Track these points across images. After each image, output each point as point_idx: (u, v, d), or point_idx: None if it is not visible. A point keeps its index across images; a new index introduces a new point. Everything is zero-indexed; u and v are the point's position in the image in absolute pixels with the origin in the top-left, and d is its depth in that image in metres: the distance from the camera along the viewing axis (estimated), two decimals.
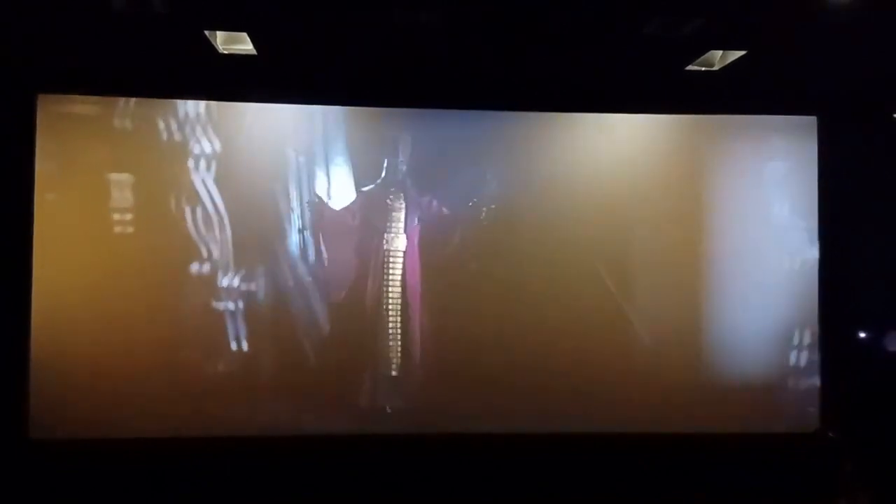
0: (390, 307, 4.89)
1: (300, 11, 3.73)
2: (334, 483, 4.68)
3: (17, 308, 4.55)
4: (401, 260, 4.89)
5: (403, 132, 4.91)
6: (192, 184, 4.75)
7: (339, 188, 4.88)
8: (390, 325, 4.88)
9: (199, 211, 4.75)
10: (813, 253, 4.98)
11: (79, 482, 4.52)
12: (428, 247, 4.92)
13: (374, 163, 4.90)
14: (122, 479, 4.57)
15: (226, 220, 4.76)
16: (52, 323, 4.60)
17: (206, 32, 4.06)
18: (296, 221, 4.83)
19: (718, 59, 4.42)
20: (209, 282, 4.75)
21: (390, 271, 4.89)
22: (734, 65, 4.35)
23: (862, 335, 4.90)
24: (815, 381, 4.94)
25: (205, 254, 4.75)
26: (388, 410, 4.86)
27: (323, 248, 4.85)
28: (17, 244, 4.56)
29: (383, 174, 4.92)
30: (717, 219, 4.98)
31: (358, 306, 4.87)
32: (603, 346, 4.91)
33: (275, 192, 4.81)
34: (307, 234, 4.83)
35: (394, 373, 4.88)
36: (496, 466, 4.80)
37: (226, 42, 4.25)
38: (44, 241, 4.60)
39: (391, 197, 4.92)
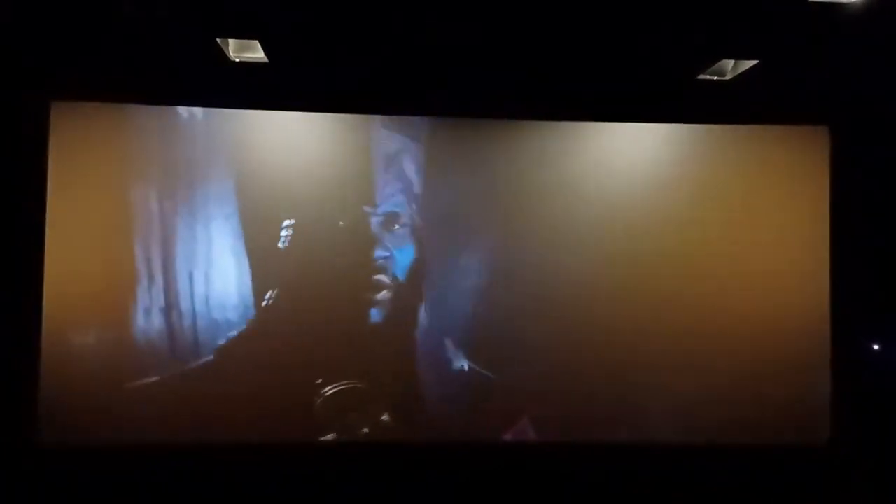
0: (392, 311, 4.90)
1: (312, 19, 3.75)
2: (340, 488, 4.67)
3: (28, 315, 4.56)
4: (408, 266, 4.90)
5: (413, 140, 4.92)
6: (203, 192, 4.76)
7: (357, 194, 4.89)
8: (389, 332, 4.89)
9: (207, 218, 4.76)
10: (824, 263, 4.94)
11: (87, 489, 4.52)
12: (435, 254, 4.92)
13: (380, 171, 4.89)
14: (130, 486, 4.57)
15: (234, 228, 4.76)
16: (62, 329, 4.60)
17: (219, 40, 4.09)
18: (311, 230, 4.83)
19: (731, 68, 4.42)
20: (218, 289, 4.75)
21: (397, 279, 4.89)
22: (746, 74, 4.34)
23: (874, 346, 4.87)
24: (826, 392, 4.89)
25: (213, 261, 4.75)
26: (385, 418, 4.86)
27: (334, 254, 4.84)
28: (29, 251, 4.57)
29: (391, 180, 4.91)
30: (728, 228, 4.95)
31: (364, 310, 4.88)
32: (608, 356, 4.88)
33: (287, 200, 4.82)
34: (321, 243, 4.83)
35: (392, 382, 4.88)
36: (502, 475, 4.79)
37: (238, 50, 4.28)
38: (56, 249, 4.61)
39: (399, 203, 4.91)
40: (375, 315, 4.88)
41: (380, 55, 4.32)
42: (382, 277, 4.89)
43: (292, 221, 4.82)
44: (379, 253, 4.89)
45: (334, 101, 4.80)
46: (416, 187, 4.94)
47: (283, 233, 4.83)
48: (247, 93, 4.68)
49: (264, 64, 4.27)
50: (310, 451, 4.78)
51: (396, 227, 4.91)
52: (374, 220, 4.89)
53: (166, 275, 4.73)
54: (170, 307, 4.72)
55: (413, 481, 4.72)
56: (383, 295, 4.89)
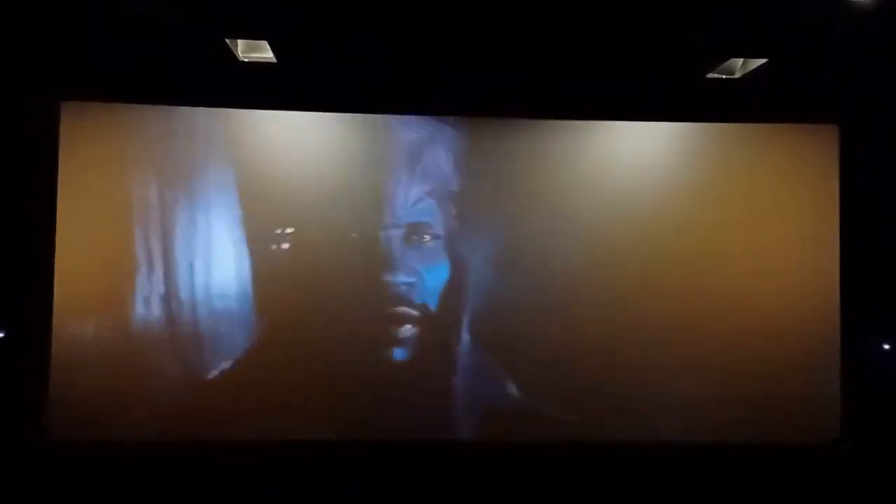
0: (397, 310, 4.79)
1: (320, 19, 3.75)
2: (340, 487, 4.69)
3: (38, 313, 4.61)
4: (416, 267, 4.85)
5: (426, 141, 4.84)
6: (210, 191, 4.79)
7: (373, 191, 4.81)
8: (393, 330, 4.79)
9: (212, 218, 4.78)
10: (833, 261, 4.92)
11: (91, 487, 4.56)
12: (444, 254, 4.85)
13: (391, 171, 4.84)
14: (135, 484, 4.60)
15: (237, 227, 4.78)
16: (70, 328, 4.65)
17: (227, 41, 4.10)
18: (314, 230, 4.80)
19: (739, 66, 4.41)
20: (224, 287, 4.77)
21: (403, 276, 4.81)
22: (755, 73, 4.33)
23: (883, 346, 4.85)
24: (835, 390, 4.89)
25: (219, 259, 4.78)
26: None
27: (339, 254, 4.81)
28: (40, 249, 4.61)
29: (403, 177, 4.82)
30: (736, 226, 4.94)
31: (363, 310, 4.81)
32: (615, 353, 4.89)
33: (295, 199, 4.80)
34: (329, 242, 4.79)
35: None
36: (502, 475, 4.79)
37: (246, 50, 4.29)
38: (65, 247, 4.64)
39: (427, 210, 4.71)
40: (399, 355, 4.50)
41: (383, 55, 4.32)
42: (405, 309, 4.31)
43: (292, 230, 4.53)
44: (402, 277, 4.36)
45: (338, 101, 4.80)
46: (453, 187, 4.56)
47: (284, 244, 4.50)
48: (255, 92, 4.68)
49: (273, 64, 4.28)
50: (310, 451, 4.79)
51: (426, 239, 4.30)
52: (395, 233, 4.33)
53: (177, 274, 4.75)
54: (179, 305, 4.74)
55: (413, 481, 4.73)
56: (407, 330, 4.37)
